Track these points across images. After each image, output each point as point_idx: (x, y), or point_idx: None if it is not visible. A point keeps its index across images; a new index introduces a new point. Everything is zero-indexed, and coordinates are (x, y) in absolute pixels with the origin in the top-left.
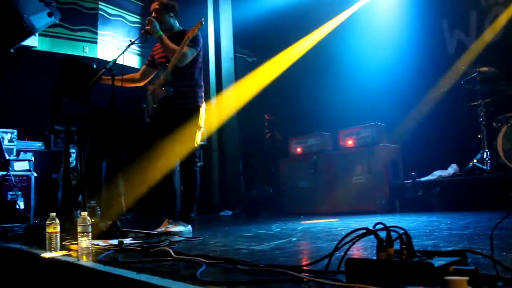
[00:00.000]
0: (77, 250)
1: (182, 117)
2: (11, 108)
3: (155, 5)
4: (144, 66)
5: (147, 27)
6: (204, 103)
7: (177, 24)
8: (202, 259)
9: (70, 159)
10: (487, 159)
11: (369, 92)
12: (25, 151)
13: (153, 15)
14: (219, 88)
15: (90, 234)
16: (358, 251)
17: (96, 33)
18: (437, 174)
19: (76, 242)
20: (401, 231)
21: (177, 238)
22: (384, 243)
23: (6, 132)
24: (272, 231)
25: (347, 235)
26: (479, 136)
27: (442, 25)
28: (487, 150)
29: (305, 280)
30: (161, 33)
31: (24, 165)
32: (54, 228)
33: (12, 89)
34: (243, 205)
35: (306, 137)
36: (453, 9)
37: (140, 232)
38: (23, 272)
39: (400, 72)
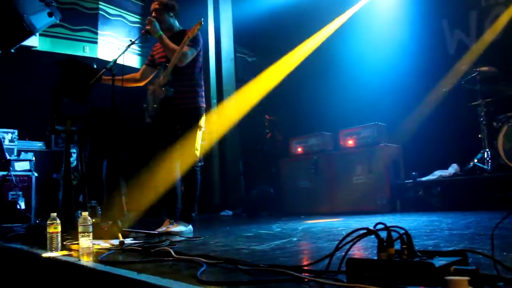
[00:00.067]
0: (78, 250)
1: (182, 117)
2: (11, 108)
3: (155, 5)
4: (144, 66)
5: (147, 27)
6: (205, 104)
7: (177, 24)
8: (203, 259)
9: (71, 159)
10: (487, 158)
11: (369, 92)
12: (26, 151)
13: (153, 15)
14: (219, 88)
15: (91, 234)
16: (359, 251)
17: (96, 33)
18: (437, 174)
19: (77, 242)
20: (402, 231)
21: (177, 238)
22: (384, 243)
23: (7, 132)
24: (273, 231)
25: (348, 235)
26: (479, 136)
27: (443, 25)
28: (487, 149)
29: (306, 280)
30: (161, 33)
31: (25, 165)
32: (55, 228)
33: (12, 89)
34: (244, 205)
35: (306, 137)
36: (453, 9)
37: (141, 232)
38: (24, 272)
39: (401, 72)
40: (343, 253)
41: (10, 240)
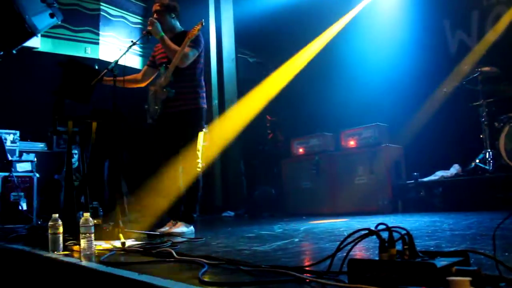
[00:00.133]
0: (79, 251)
1: (184, 118)
2: (13, 109)
3: (156, 6)
4: (145, 67)
5: (149, 28)
6: (206, 104)
7: (178, 25)
8: (204, 260)
9: (73, 160)
10: (489, 159)
11: (371, 93)
12: (28, 152)
13: (154, 16)
14: (221, 89)
15: (93, 235)
16: (360, 251)
17: (98, 34)
18: (439, 174)
19: (78, 243)
20: (403, 232)
21: (179, 239)
22: (386, 244)
23: (9, 133)
24: (274, 232)
25: (349, 235)
26: (481, 136)
27: (444, 25)
28: (489, 150)
29: (307, 280)
30: (163, 34)
31: (27, 166)
32: (56, 229)
33: (14, 90)
34: (245, 206)
35: (308, 138)
36: (455, 9)
37: (142, 233)
38: (26, 273)
39: (402, 72)
40: (345, 254)
41: (12, 241)
